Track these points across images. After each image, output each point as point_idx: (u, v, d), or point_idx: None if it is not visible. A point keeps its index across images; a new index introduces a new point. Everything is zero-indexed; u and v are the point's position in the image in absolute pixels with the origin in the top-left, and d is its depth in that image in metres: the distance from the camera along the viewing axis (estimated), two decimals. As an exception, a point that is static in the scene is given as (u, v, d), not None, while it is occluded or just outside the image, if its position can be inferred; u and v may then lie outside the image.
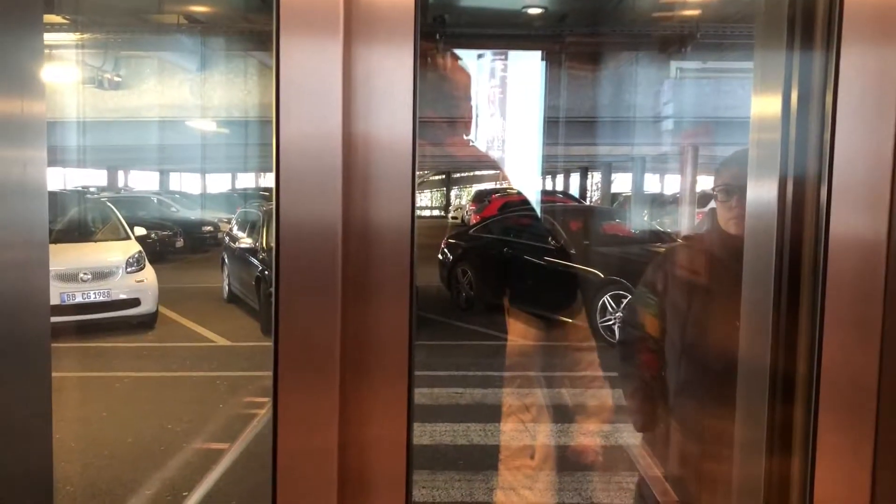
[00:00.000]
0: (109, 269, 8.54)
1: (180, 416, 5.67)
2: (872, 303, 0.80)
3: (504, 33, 11.37)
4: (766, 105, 0.92)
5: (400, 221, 0.79)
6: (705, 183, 12.72)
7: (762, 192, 0.93)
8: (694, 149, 12.63)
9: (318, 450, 0.79)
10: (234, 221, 12.13)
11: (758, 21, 0.97)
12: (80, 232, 9.47)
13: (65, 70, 12.04)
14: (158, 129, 13.79)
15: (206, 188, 30.39)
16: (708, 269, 1.94)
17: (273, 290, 0.78)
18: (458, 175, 33.99)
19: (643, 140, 14.51)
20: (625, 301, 7.40)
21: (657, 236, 10.27)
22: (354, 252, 0.78)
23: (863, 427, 0.81)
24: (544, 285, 8.45)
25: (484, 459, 4.68)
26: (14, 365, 0.77)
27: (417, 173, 0.79)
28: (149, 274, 8.82)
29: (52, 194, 9.75)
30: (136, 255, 8.88)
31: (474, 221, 15.19)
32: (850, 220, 0.80)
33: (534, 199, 12.55)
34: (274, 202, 0.77)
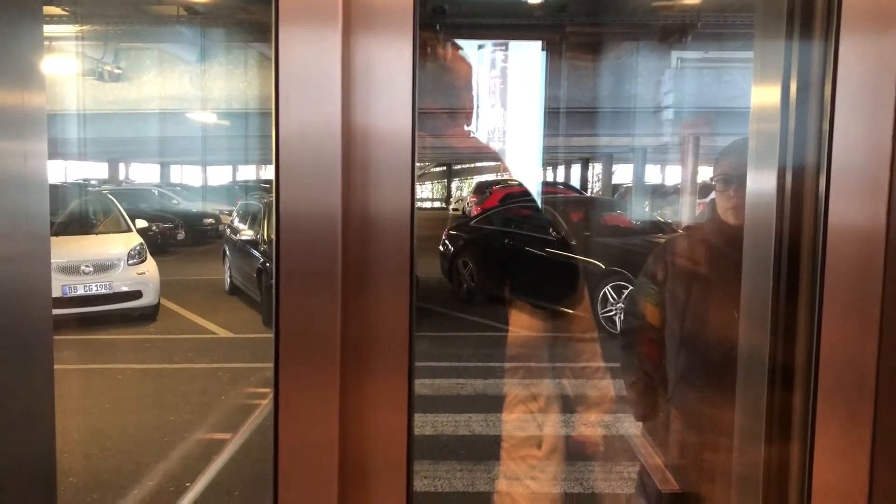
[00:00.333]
0: (111, 261, 8.54)
1: (182, 407, 5.69)
2: (871, 292, 0.80)
3: (504, 23, 11.34)
4: (765, 95, 0.92)
5: (400, 212, 0.79)
6: (706, 173, 12.70)
7: (761, 182, 0.93)
8: (695, 139, 12.60)
9: (319, 440, 0.79)
10: (235, 213, 12.13)
11: (758, 11, 0.97)
12: (81, 224, 9.46)
13: (65, 62, 12.02)
14: (159, 121, 13.79)
15: (206, 180, 30.39)
16: (707, 259, 1.94)
17: (273, 281, 0.79)
18: (458, 167, 33.95)
19: (644, 130, 14.48)
20: (626, 292, 7.40)
21: (658, 227, 10.25)
22: (354, 243, 0.78)
23: (861, 415, 0.81)
24: (545, 276, 8.42)
25: (485, 449, 4.69)
26: (16, 357, 0.78)
27: (418, 165, 0.79)
28: (150, 266, 8.83)
29: (54, 187, 9.78)
30: (138, 248, 8.89)
31: (475, 213, 15.15)
32: (849, 209, 0.81)
33: (535, 190, 12.54)
34: (274, 194, 0.77)
